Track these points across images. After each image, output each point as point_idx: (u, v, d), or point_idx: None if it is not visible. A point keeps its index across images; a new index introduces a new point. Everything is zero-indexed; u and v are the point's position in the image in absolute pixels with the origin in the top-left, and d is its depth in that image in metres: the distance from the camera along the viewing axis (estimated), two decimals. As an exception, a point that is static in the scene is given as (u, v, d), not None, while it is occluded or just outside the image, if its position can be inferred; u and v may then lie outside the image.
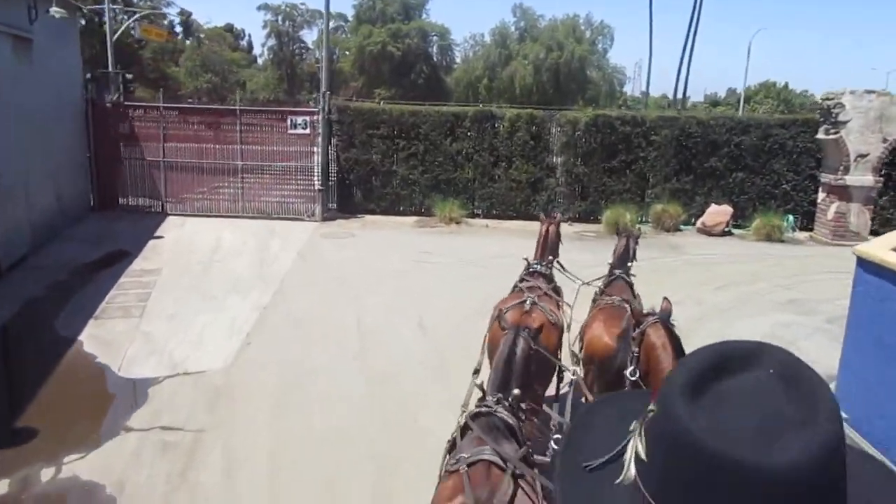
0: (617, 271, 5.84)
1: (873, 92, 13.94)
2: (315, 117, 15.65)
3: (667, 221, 15.91)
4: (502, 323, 4.28)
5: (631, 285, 5.70)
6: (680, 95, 52.26)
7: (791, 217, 16.16)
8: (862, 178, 14.27)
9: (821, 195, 15.14)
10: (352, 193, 16.92)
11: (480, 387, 3.72)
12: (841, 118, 14.08)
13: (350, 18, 46.63)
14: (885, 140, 14.10)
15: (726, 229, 15.65)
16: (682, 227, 16.26)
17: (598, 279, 6.14)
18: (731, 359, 0.86)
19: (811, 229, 16.31)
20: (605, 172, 16.54)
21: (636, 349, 4.04)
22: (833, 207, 14.55)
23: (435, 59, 44.28)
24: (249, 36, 61.96)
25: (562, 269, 6.41)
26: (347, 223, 15.88)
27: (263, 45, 57.99)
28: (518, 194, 16.63)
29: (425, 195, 16.73)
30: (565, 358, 5.17)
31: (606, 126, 16.37)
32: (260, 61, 58.33)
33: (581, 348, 4.96)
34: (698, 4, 47.81)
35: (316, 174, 15.91)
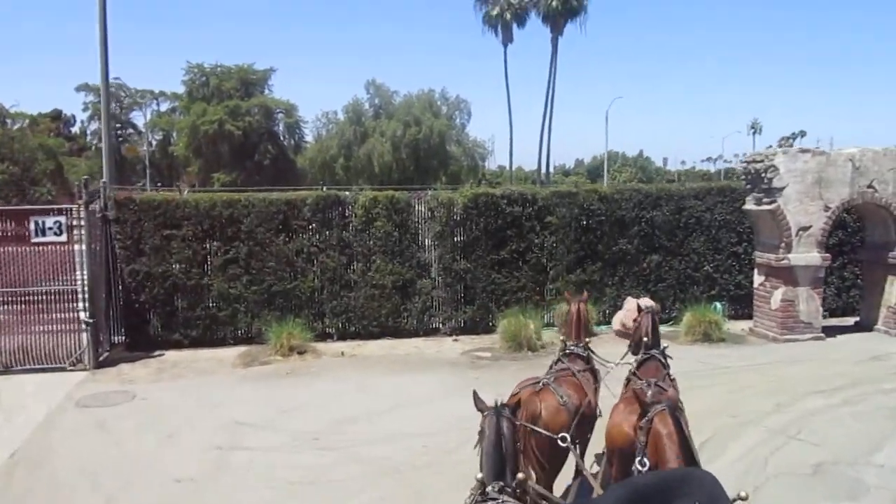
0: (653, 351, 5.53)
1: (808, 151, 11.37)
2: (74, 217, 10.58)
3: (578, 325, 12.23)
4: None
5: (666, 366, 5.42)
6: (544, 168, 51.96)
7: (718, 304, 13.15)
8: (807, 255, 11.48)
9: (758, 279, 12.21)
10: (146, 321, 11.81)
11: (480, 481, 3.41)
12: (775, 184, 11.31)
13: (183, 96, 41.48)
14: (826, 208, 11.48)
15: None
16: (596, 328, 12.67)
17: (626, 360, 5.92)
18: (652, 492, 0.94)
19: (742, 316, 13.39)
20: (494, 267, 12.74)
21: (644, 439, 3.81)
22: (778, 294, 11.59)
23: (282, 137, 40.07)
24: (82, 122, 54.53)
25: (591, 352, 5.97)
26: (133, 370, 10.68)
27: (85, 129, 51.08)
28: (382, 304, 12.34)
29: (254, 315, 11.98)
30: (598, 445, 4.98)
31: (490, 207, 12.69)
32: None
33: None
34: (553, 77, 47.96)
35: (82, 299, 10.69)
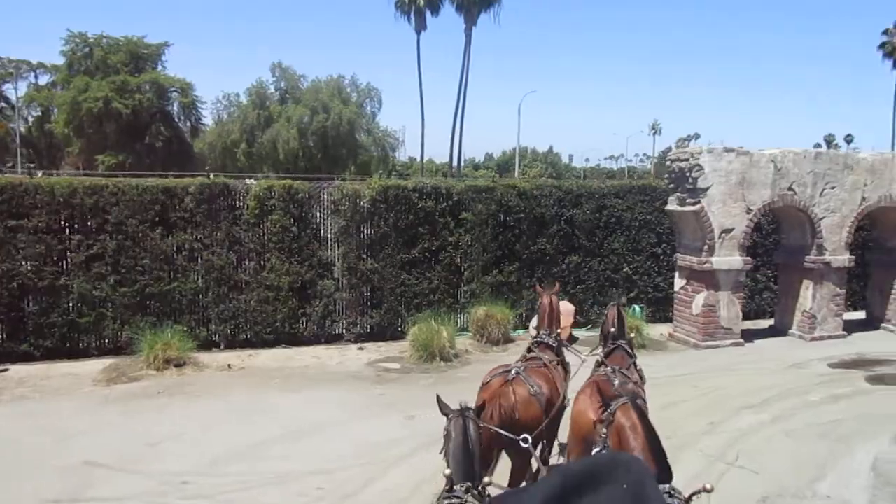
0: (619, 342, 5.57)
1: (732, 150, 10.93)
2: None
3: (493, 331, 11.34)
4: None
5: (632, 356, 5.50)
6: (455, 161, 51.17)
7: (637, 308, 12.63)
8: (730, 259, 11.07)
9: (679, 282, 11.73)
10: (-14, 329, 9.83)
11: (449, 477, 3.38)
12: (700, 184, 10.81)
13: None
14: (748, 210, 11.10)
15: (572, 334, 11.52)
16: (513, 333, 11.85)
17: (595, 352, 5.94)
18: (580, 479, 0.95)
19: (660, 320, 12.96)
20: (404, 267, 11.59)
21: (605, 431, 3.86)
22: (700, 299, 11.13)
23: (177, 119, 37.00)
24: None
25: (564, 344, 6.18)
26: (-37, 390, 8.78)
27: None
28: (278, 308, 10.92)
29: (123, 322, 10.27)
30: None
31: (401, 201, 11.51)
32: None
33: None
34: (466, 68, 47.15)
35: None
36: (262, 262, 10.88)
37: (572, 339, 11.47)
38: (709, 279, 11.04)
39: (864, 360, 10.65)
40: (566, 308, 11.66)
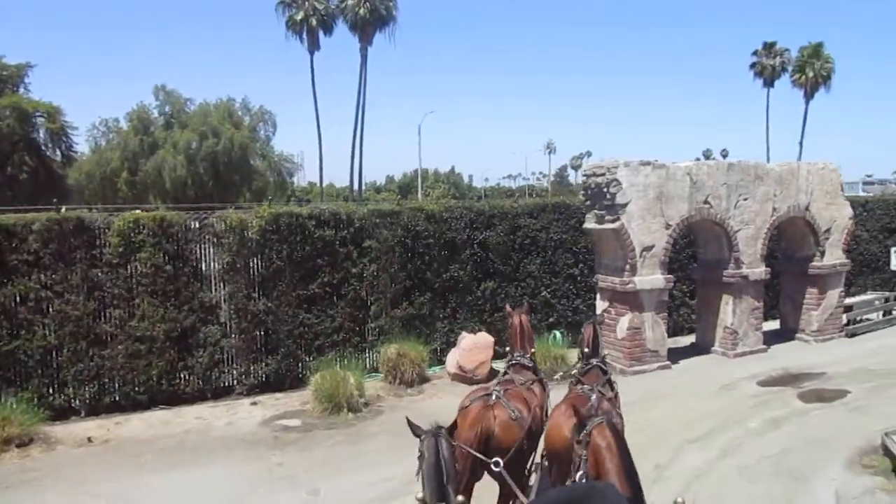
0: (593, 360, 5.62)
1: (648, 163, 10.41)
2: None
3: (407, 371, 10.17)
4: (458, 423, 4.38)
5: (606, 373, 5.49)
6: (356, 185, 49.69)
7: (557, 333, 11.88)
8: (652, 278, 10.50)
9: (601, 304, 11.04)
10: None
11: (422, 500, 3.50)
12: (619, 200, 10.18)
13: None
14: (667, 226, 10.60)
15: (492, 367, 10.55)
16: (429, 370, 10.73)
17: (567, 374, 6.69)
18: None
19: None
20: (302, 305, 10.22)
21: (584, 452, 3.86)
22: (624, 322, 10.47)
23: (44, 146, 33.49)
24: None
25: (533, 361, 6.10)
26: None
27: None
28: (152, 362, 9.24)
29: (-52, 394, 8.27)
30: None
31: (295, 230, 10.17)
32: None
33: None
34: (363, 89, 46.03)
35: None
36: (130, 310, 9.18)
37: (494, 372, 10.51)
38: (632, 300, 10.41)
39: (791, 376, 10.32)
40: (484, 340, 10.72)
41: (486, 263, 11.59)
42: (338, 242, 10.46)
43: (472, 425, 4.70)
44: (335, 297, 10.53)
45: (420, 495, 3.49)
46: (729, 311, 11.48)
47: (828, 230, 12.52)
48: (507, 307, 6.65)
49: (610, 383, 5.43)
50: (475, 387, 5.45)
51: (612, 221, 10.26)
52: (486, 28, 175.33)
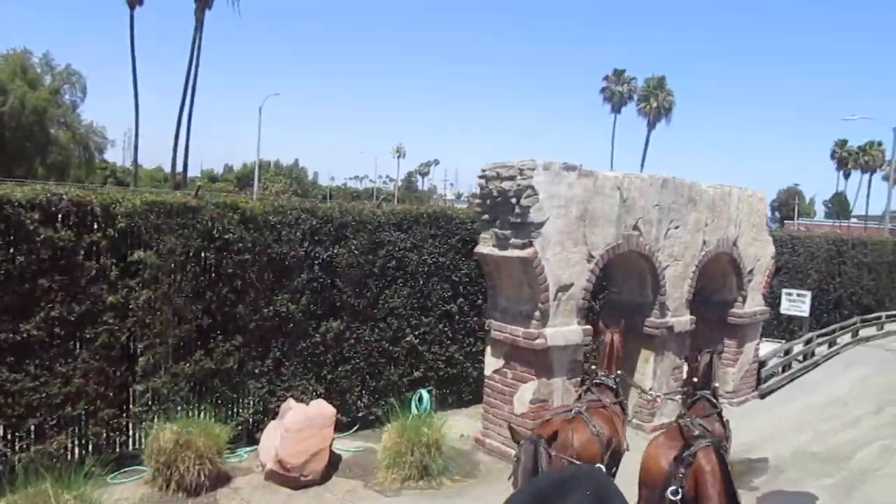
0: (701, 392, 5.49)
1: (573, 168, 7.34)
2: None
3: (190, 469, 6.20)
4: (515, 436, 4.50)
5: (715, 406, 5.38)
6: (182, 169, 43.06)
7: (425, 394, 8.50)
8: (567, 329, 7.44)
9: (493, 362, 7.79)
10: None
11: None
12: (533, 216, 7.00)
13: None
14: (590, 257, 7.62)
15: (332, 450, 6.90)
16: (231, 458, 6.85)
17: (674, 393, 6.78)
18: (552, 487, 0.98)
19: (454, 404, 9.06)
20: (7, 355, 5.89)
21: (683, 470, 3.82)
22: (527, 391, 7.30)
23: None
24: None
25: (629, 380, 6.81)
26: None
27: None
28: None
29: None
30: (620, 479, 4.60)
31: (1, 227, 5.84)
32: None
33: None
34: (196, 58, 39.80)
35: None
36: None
37: (335, 460, 6.91)
38: (540, 361, 7.28)
39: (734, 463, 7.76)
40: (321, 413, 7.01)
41: (332, 294, 7.92)
42: (84, 251, 6.26)
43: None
44: (74, 343, 6.31)
45: None
46: (649, 372, 8.80)
47: (751, 270, 10.38)
48: (600, 323, 6.51)
49: (720, 417, 5.29)
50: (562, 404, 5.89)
51: (522, 247, 7.07)
52: (343, 21, 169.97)
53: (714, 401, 5.43)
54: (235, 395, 7.29)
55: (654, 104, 55.81)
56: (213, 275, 7.06)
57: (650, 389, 8.74)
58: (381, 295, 8.37)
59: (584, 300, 7.61)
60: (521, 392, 7.37)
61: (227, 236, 7.02)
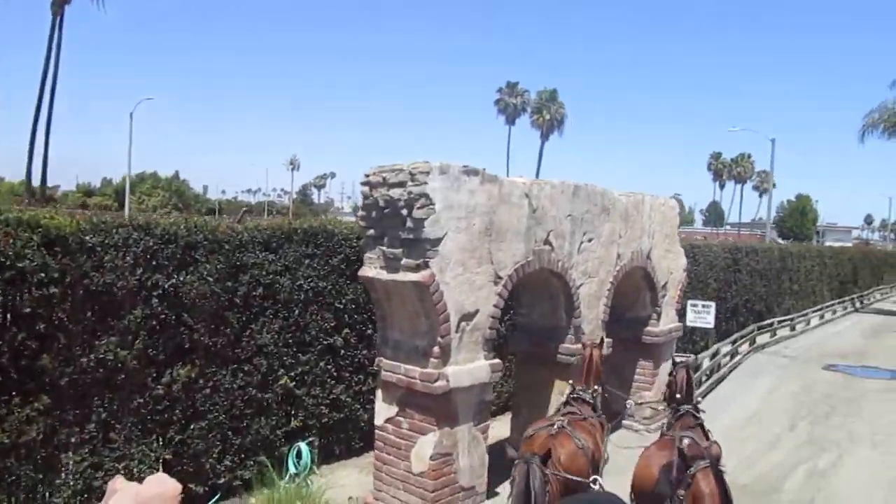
0: (685, 407, 5.66)
1: (475, 172, 6.11)
2: None
3: None
4: (512, 452, 4.82)
5: (699, 420, 5.53)
6: (39, 180, 38.63)
7: (304, 447, 7.02)
8: (473, 367, 6.18)
9: (385, 410, 6.39)
10: None
11: None
12: (428, 231, 5.69)
13: None
14: (497, 278, 6.42)
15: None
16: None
17: (653, 402, 7.15)
18: None
19: (340, 455, 7.62)
20: None
21: (682, 492, 3.83)
22: (426, 444, 5.96)
23: None
24: None
25: (608, 392, 6.77)
26: None
27: None
28: None
29: None
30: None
31: None
32: None
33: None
34: (54, 56, 35.79)
35: None
36: None
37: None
38: (441, 408, 5.97)
39: None
40: (163, 493, 5.34)
41: (178, 333, 6.25)
42: None
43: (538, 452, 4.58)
44: None
45: None
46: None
47: (665, 284, 9.63)
48: (584, 339, 6.83)
49: (703, 430, 5.35)
50: (544, 418, 5.69)
51: (416, 269, 5.75)
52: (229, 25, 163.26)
53: (696, 414, 5.62)
54: (42, 476, 5.47)
55: (547, 116, 56.69)
56: (2, 317, 5.24)
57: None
58: (246, 331, 6.78)
59: (491, 329, 6.39)
60: (419, 446, 6.02)
61: (21, 264, 5.23)
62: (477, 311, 6.20)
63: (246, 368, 6.79)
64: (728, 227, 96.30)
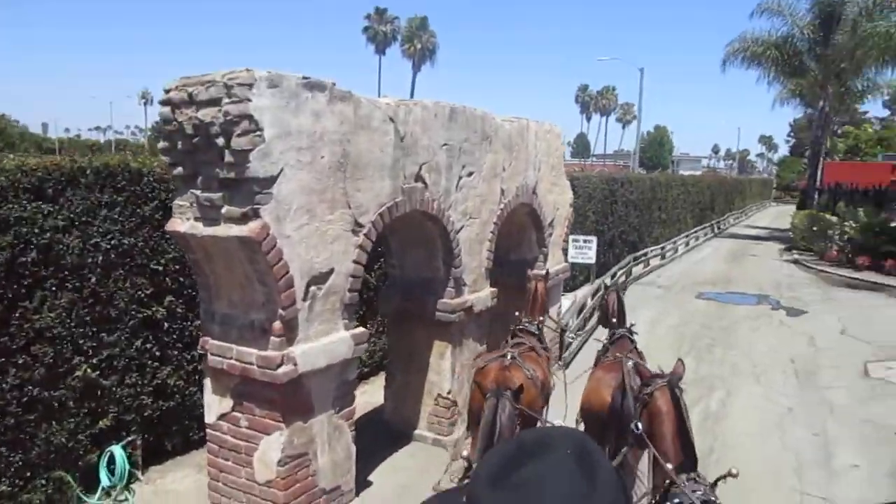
0: (620, 330, 5.78)
1: (321, 88, 4.55)
2: None
3: None
4: (480, 382, 4.73)
5: (634, 343, 5.64)
6: None
7: (118, 451, 5.47)
8: (329, 341, 4.82)
9: (216, 404, 4.90)
10: None
11: (466, 458, 3.79)
12: (256, 168, 4.13)
13: None
14: (357, 226, 5.01)
15: None
16: None
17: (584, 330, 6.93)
18: (529, 446, 0.98)
19: (175, 451, 6.12)
20: None
21: (640, 408, 3.91)
22: (273, 446, 4.58)
23: None
24: None
25: (551, 319, 7.13)
26: None
27: None
28: None
29: None
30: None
31: None
32: None
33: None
34: None
35: None
36: None
37: None
38: (290, 398, 4.58)
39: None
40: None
41: None
42: None
43: (491, 384, 4.54)
44: None
45: (465, 453, 3.94)
46: (446, 369, 6.61)
47: (551, 222, 8.68)
48: (530, 273, 6.95)
49: (639, 353, 5.40)
50: (493, 350, 5.78)
51: (242, 220, 4.21)
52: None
53: (632, 337, 5.69)
54: None
55: (419, 45, 54.50)
56: None
57: (448, 392, 6.60)
58: (15, 311, 4.96)
59: (352, 292, 5.03)
60: (263, 449, 4.64)
61: None
62: (332, 271, 4.80)
63: (21, 361, 5.00)
64: (594, 158, 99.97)
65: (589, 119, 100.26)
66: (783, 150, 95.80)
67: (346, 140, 4.79)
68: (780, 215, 40.88)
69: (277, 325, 4.45)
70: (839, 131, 44.92)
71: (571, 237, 13.07)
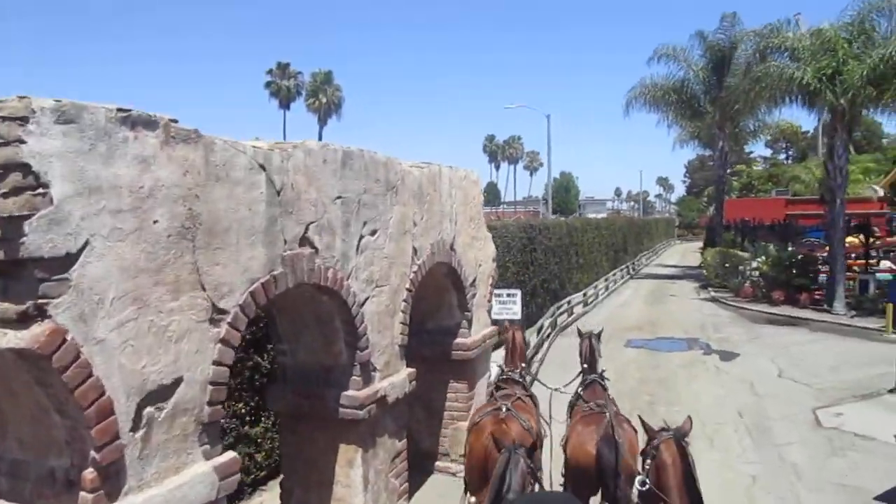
0: (591, 376, 5.84)
1: (151, 124, 3.26)
2: None
3: None
4: (485, 439, 4.63)
5: (605, 389, 5.70)
6: None
7: None
8: (175, 487, 3.35)
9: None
10: None
11: None
12: (38, 243, 2.74)
13: None
14: (218, 314, 3.63)
15: None
16: None
17: (570, 383, 6.31)
18: None
19: None
20: None
21: (648, 463, 3.87)
22: None
23: None
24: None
25: (531, 376, 7.04)
26: None
27: None
28: None
29: None
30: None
31: None
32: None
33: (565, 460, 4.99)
34: None
35: None
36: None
37: None
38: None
39: None
40: None
41: None
42: None
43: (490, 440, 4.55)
44: None
45: (472, 499, 4.22)
46: (357, 479, 5.20)
47: (473, 281, 7.55)
48: (506, 323, 7.07)
49: (609, 398, 5.43)
50: (487, 402, 5.73)
51: (20, 322, 2.76)
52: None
53: (602, 382, 5.73)
54: None
55: (324, 99, 53.64)
56: None
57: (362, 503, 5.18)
58: None
59: (213, 405, 3.61)
60: None
61: None
62: (179, 381, 3.38)
63: None
64: (504, 205, 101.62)
65: (498, 168, 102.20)
66: (679, 190, 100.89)
67: (193, 196, 3.45)
68: (687, 252, 42.05)
69: (89, 473, 2.97)
70: (730, 170, 47.24)
71: (494, 292, 12.02)
